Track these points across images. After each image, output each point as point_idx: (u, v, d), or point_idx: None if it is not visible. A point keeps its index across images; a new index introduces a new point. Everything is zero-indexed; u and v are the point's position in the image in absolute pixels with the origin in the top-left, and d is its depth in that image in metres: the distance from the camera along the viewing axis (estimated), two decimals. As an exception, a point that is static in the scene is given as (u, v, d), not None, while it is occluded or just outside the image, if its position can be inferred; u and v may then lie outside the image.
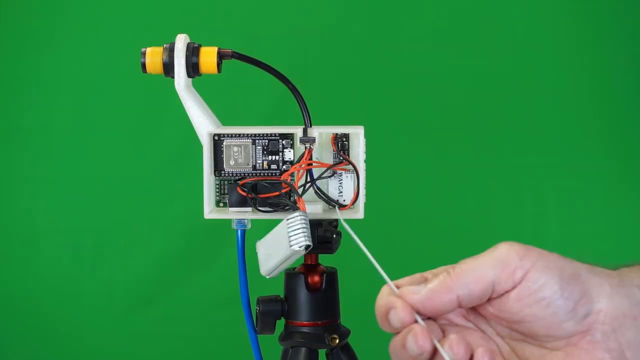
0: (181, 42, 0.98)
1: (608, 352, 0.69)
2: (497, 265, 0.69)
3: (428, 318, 0.72)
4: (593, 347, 0.69)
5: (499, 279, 0.69)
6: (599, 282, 0.70)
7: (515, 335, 0.72)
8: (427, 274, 0.72)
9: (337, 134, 1.01)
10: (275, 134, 1.01)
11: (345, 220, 1.01)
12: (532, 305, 0.69)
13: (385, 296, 0.71)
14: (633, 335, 0.69)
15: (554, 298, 0.68)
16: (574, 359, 0.69)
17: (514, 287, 0.69)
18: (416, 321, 0.70)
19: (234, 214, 1.01)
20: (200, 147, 1.00)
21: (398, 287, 0.72)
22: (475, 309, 0.72)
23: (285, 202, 0.97)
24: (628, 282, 0.70)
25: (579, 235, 1.83)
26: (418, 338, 0.68)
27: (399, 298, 0.70)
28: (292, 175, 1.00)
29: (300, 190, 0.98)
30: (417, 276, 0.72)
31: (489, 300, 0.70)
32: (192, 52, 0.98)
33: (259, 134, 1.00)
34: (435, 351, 0.69)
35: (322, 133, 1.00)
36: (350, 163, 1.00)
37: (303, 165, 0.99)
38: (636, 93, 1.83)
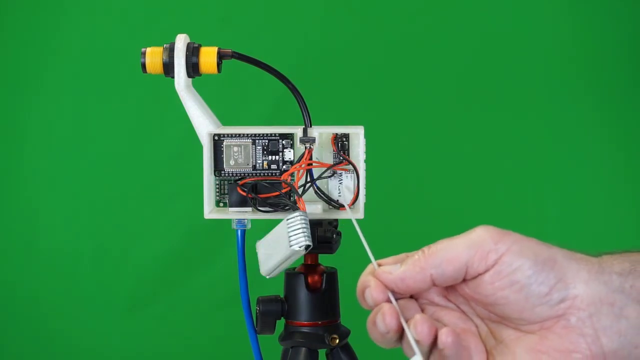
0: (181, 42, 0.98)
1: (583, 337, 0.69)
2: (471, 247, 0.70)
3: (411, 297, 0.73)
4: (567, 331, 0.69)
5: (472, 261, 0.70)
6: (576, 267, 0.70)
7: (492, 317, 0.72)
8: (412, 253, 0.73)
9: (337, 134, 1.01)
10: (275, 134, 1.01)
11: (345, 220, 1.01)
12: (504, 289, 0.69)
13: (364, 275, 0.73)
14: (610, 322, 0.69)
15: (526, 282, 0.69)
16: (548, 342, 0.70)
17: (486, 270, 0.69)
18: (389, 300, 0.71)
19: (234, 214, 1.01)
20: (200, 147, 1.00)
21: (380, 266, 0.73)
22: (455, 289, 0.73)
23: (285, 202, 0.97)
24: (607, 269, 0.70)
25: (579, 235, 1.83)
26: (385, 317, 0.70)
27: (374, 278, 0.72)
28: (292, 175, 1.00)
29: (300, 190, 0.98)
30: (401, 256, 0.74)
31: (465, 281, 0.71)
32: (192, 52, 0.98)
33: (259, 134, 1.00)
34: (403, 330, 0.70)
35: (322, 133, 1.00)
36: (350, 163, 1.00)
37: (303, 165, 0.99)
38: (636, 86, 1.83)
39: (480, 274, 0.70)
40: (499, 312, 0.71)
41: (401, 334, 0.71)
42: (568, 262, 0.70)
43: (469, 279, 0.71)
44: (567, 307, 0.69)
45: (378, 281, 0.72)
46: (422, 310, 0.73)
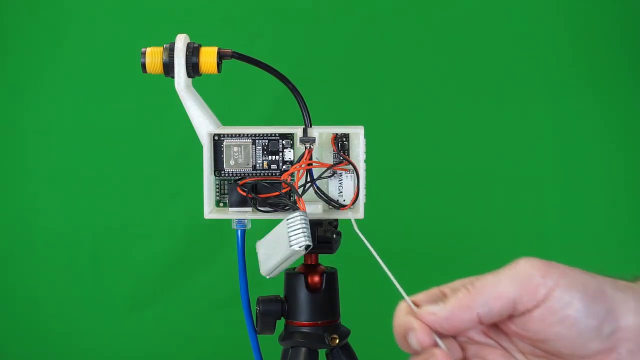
0: (181, 42, 0.98)
1: None
2: (519, 282, 0.67)
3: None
4: None
5: (520, 296, 0.67)
6: (624, 297, 0.67)
7: (537, 352, 0.70)
8: (445, 289, 0.71)
9: (337, 134, 1.01)
10: (275, 134, 1.01)
11: (345, 220, 1.01)
12: (556, 325, 0.67)
13: (403, 316, 0.69)
14: None
15: (578, 317, 0.66)
16: None
17: (536, 306, 0.67)
18: (437, 344, 0.68)
19: (234, 214, 1.00)
20: (200, 147, 1.00)
21: (416, 304, 0.70)
22: (496, 325, 0.70)
23: (285, 202, 0.97)
24: None
25: (579, 237, 1.83)
26: None
27: (417, 319, 0.68)
28: (292, 175, 1.00)
29: (300, 190, 0.98)
30: (434, 291, 0.71)
31: (510, 317, 0.68)
32: (192, 52, 0.98)
33: (259, 134, 1.00)
34: None
35: (322, 133, 1.00)
36: (350, 163, 1.00)
37: (303, 165, 0.99)
38: (636, 86, 1.83)
39: (529, 310, 0.67)
40: (549, 349, 0.68)
41: None
42: (615, 292, 0.67)
43: (516, 315, 0.68)
44: (618, 339, 0.67)
45: (422, 323, 0.68)
46: (463, 350, 0.71)
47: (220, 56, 0.99)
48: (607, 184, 1.83)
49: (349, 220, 1.00)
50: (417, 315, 0.68)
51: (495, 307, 0.67)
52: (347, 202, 1.00)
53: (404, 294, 0.70)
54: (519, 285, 0.67)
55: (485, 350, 0.71)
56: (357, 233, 0.82)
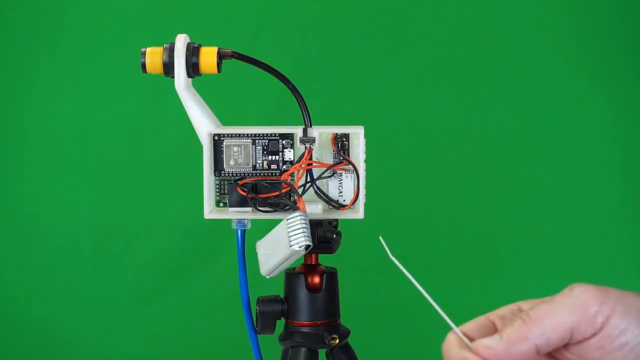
0: (181, 42, 0.98)
1: None
2: (575, 311, 0.66)
3: None
4: None
5: (577, 325, 0.66)
6: None
7: None
8: (493, 317, 0.70)
9: (337, 134, 1.01)
10: (275, 134, 1.01)
11: (345, 220, 1.01)
12: (614, 352, 0.66)
13: (456, 349, 0.68)
14: None
15: (635, 342, 0.66)
16: None
17: (594, 334, 0.66)
18: None
19: (234, 214, 1.01)
20: (200, 147, 1.00)
21: (467, 336, 0.68)
22: (550, 353, 0.69)
23: (285, 202, 0.97)
24: None
25: (579, 237, 1.83)
26: None
27: (473, 354, 0.67)
28: (292, 175, 1.00)
29: (300, 190, 0.98)
30: (482, 320, 0.70)
31: (566, 345, 0.67)
32: (192, 52, 0.98)
33: (259, 134, 1.00)
34: None
35: (322, 133, 1.00)
36: (350, 163, 1.00)
37: (303, 165, 0.99)
38: (638, 88, 1.83)
39: (586, 339, 0.66)
40: None
41: None
42: None
43: (572, 344, 0.67)
44: None
45: (479, 358, 0.66)
46: None
47: (220, 56, 0.99)
48: (607, 184, 1.83)
49: (349, 220, 1.00)
50: (473, 350, 0.67)
51: (553, 337, 0.66)
52: (347, 202, 1.00)
53: (454, 326, 0.68)
54: (576, 314, 0.66)
55: None
56: (392, 260, 0.80)
